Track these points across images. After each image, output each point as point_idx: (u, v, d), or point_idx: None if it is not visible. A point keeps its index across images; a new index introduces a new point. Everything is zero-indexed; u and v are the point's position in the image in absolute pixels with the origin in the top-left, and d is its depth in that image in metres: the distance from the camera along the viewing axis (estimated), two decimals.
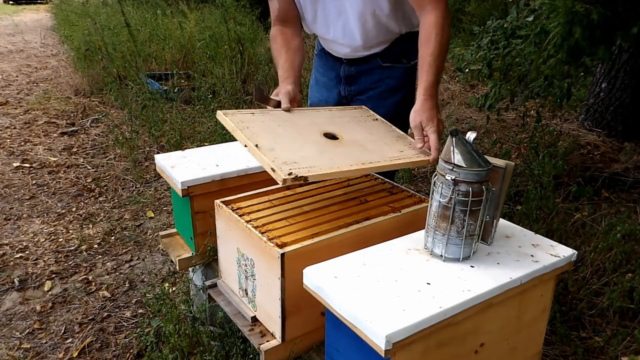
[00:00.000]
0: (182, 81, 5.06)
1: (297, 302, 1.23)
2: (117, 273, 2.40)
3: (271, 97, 1.54)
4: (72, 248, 2.58)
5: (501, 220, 1.24)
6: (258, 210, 1.38)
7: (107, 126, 4.28)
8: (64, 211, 2.96)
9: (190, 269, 1.75)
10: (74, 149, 3.88)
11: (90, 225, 2.80)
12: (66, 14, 9.08)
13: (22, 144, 3.96)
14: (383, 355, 0.88)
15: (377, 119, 1.62)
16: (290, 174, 1.15)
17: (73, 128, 4.30)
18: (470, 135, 1.04)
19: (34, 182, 3.33)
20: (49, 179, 3.38)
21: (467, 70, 4.86)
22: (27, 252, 2.55)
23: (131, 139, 3.78)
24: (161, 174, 1.67)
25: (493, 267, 1.07)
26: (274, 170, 1.17)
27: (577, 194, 2.76)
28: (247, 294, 1.38)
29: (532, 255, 1.12)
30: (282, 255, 1.16)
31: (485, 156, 1.05)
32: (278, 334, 1.27)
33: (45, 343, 1.96)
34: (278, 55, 1.70)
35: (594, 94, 3.84)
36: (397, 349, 0.88)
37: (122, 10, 6.40)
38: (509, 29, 3.03)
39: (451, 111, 4.46)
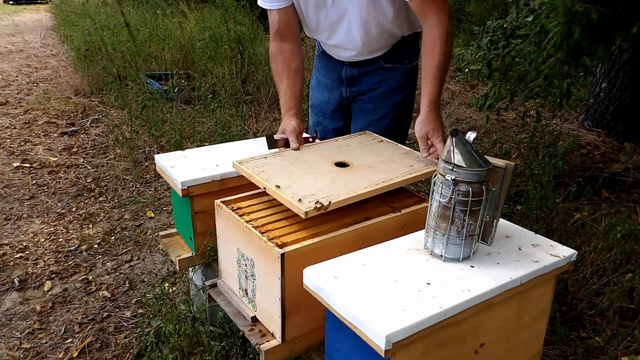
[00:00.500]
0: (182, 81, 5.05)
1: (297, 302, 1.23)
2: (117, 273, 2.40)
3: (279, 136, 1.61)
4: (72, 248, 2.58)
5: (501, 220, 1.24)
6: (258, 210, 1.38)
7: (107, 126, 4.28)
8: (64, 211, 2.96)
9: (190, 269, 1.75)
10: (74, 149, 3.88)
11: (90, 225, 2.80)
12: (66, 14, 9.08)
13: (22, 144, 3.96)
14: (383, 355, 0.88)
15: (382, 141, 1.66)
16: (309, 207, 1.20)
17: (73, 128, 4.30)
18: (470, 135, 1.04)
19: (34, 182, 3.33)
20: (49, 179, 3.38)
21: (467, 70, 4.86)
22: (27, 252, 2.55)
23: (131, 139, 3.78)
24: (161, 174, 1.67)
25: (493, 267, 1.07)
26: (295, 206, 1.22)
27: (577, 194, 2.76)
28: (247, 294, 1.39)
29: (532, 255, 1.12)
30: (282, 255, 1.16)
31: (485, 156, 1.05)
32: (278, 334, 1.27)
33: (45, 343, 1.96)
34: (279, 79, 1.71)
35: (594, 94, 3.84)
36: (397, 349, 0.88)
37: (121, 10, 6.41)
38: (508, 28, 3.04)
39: (451, 111, 4.46)
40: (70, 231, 2.75)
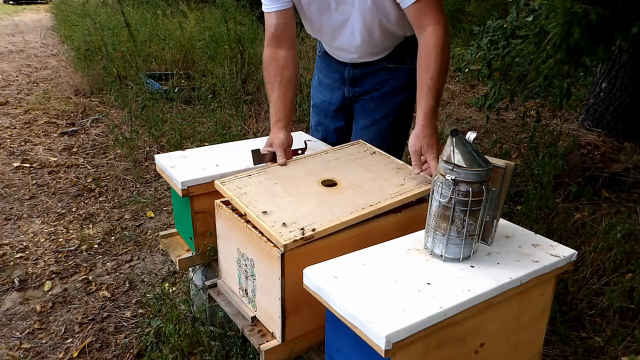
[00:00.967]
0: (182, 81, 5.05)
1: (297, 302, 1.23)
2: (117, 273, 2.40)
3: (266, 149, 1.55)
4: (72, 248, 2.58)
5: (501, 220, 1.24)
6: None
7: (107, 126, 4.28)
8: (64, 211, 2.96)
9: (190, 269, 1.75)
10: (74, 149, 3.88)
11: (90, 225, 2.80)
12: (66, 14, 9.08)
13: (22, 144, 3.96)
14: (383, 355, 0.88)
15: (374, 152, 1.61)
16: (290, 238, 1.16)
17: (73, 128, 4.30)
18: (470, 135, 1.04)
19: (34, 182, 3.33)
20: (49, 179, 3.38)
21: (467, 70, 4.86)
22: (27, 252, 2.55)
23: (131, 139, 3.78)
24: (161, 174, 1.67)
25: (493, 267, 1.07)
26: (274, 237, 1.18)
27: (577, 194, 2.76)
28: (247, 294, 1.39)
29: (532, 255, 1.12)
30: (282, 255, 1.16)
31: (485, 156, 1.05)
32: (278, 334, 1.27)
33: (45, 343, 1.96)
34: (270, 88, 1.65)
35: (594, 94, 3.84)
36: (397, 349, 0.88)
37: (122, 10, 6.40)
38: (508, 29, 3.04)
39: (451, 111, 4.46)
40: (70, 231, 2.75)
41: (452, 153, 1.02)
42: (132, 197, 3.12)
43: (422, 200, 1.45)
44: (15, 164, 3.57)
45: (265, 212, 1.26)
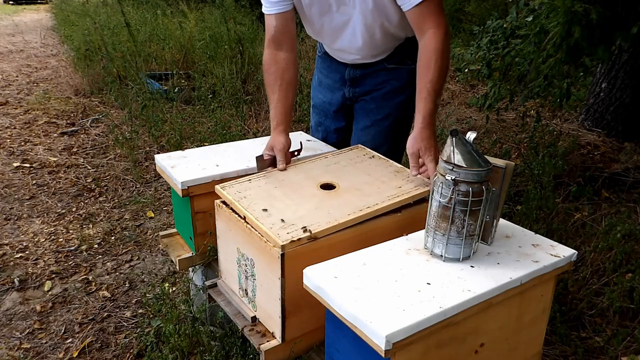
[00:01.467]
0: (182, 81, 5.05)
1: (297, 302, 1.23)
2: (117, 273, 2.40)
3: (266, 154, 1.56)
4: (72, 248, 2.58)
5: (501, 220, 1.24)
6: None
7: (107, 126, 4.28)
8: (64, 211, 2.96)
9: (190, 269, 1.75)
10: (74, 149, 3.88)
11: (90, 225, 2.80)
12: (66, 14, 9.07)
13: (22, 144, 3.96)
14: (383, 355, 0.88)
15: (373, 156, 1.62)
16: (287, 239, 1.17)
17: (73, 128, 4.30)
18: (470, 135, 1.04)
19: (34, 182, 3.33)
20: (49, 179, 3.38)
21: (466, 70, 4.86)
22: (27, 252, 2.55)
23: (131, 139, 3.78)
24: (161, 174, 1.67)
25: (493, 267, 1.07)
26: (272, 238, 1.19)
27: (577, 194, 2.76)
28: (247, 294, 1.39)
29: (532, 255, 1.12)
30: (282, 255, 1.16)
31: (485, 156, 1.05)
32: (278, 334, 1.27)
33: (45, 343, 1.96)
34: (271, 90, 1.66)
35: (594, 94, 3.84)
36: (397, 349, 0.88)
37: (122, 10, 6.40)
38: (508, 29, 3.04)
39: (451, 111, 4.46)
40: (70, 231, 2.75)
41: (452, 153, 1.02)
42: (132, 197, 3.12)
43: (420, 201, 1.45)
44: (15, 164, 3.57)
45: (264, 214, 1.27)
